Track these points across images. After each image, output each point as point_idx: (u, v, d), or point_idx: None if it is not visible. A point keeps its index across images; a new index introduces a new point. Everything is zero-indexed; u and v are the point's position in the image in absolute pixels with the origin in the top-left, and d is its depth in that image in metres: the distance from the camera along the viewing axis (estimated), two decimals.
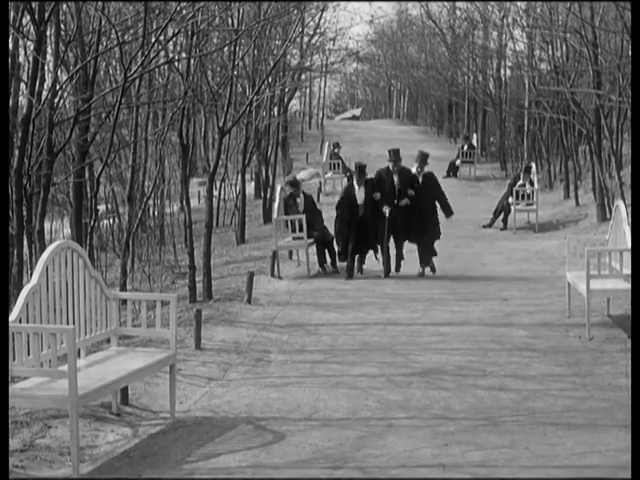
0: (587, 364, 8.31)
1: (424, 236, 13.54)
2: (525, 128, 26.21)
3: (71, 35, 10.06)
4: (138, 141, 14.58)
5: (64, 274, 6.56)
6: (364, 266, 13.82)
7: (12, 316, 5.90)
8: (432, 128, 41.49)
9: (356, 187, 13.66)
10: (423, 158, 14.01)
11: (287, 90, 23.99)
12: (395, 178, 13.54)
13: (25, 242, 8.99)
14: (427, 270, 13.62)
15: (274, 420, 6.83)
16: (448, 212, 13.89)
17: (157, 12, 10.67)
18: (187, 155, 15.20)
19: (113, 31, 9.36)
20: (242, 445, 6.28)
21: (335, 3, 29.10)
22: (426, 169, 14.09)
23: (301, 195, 14.82)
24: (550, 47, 21.15)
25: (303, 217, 14.02)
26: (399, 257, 13.70)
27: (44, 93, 9.59)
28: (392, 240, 13.64)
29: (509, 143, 28.31)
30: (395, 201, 13.46)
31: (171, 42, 14.88)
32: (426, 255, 13.54)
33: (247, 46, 15.12)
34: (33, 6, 8.93)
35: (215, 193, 17.78)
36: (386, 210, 13.33)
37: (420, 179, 13.84)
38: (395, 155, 13.68)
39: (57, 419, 6.77)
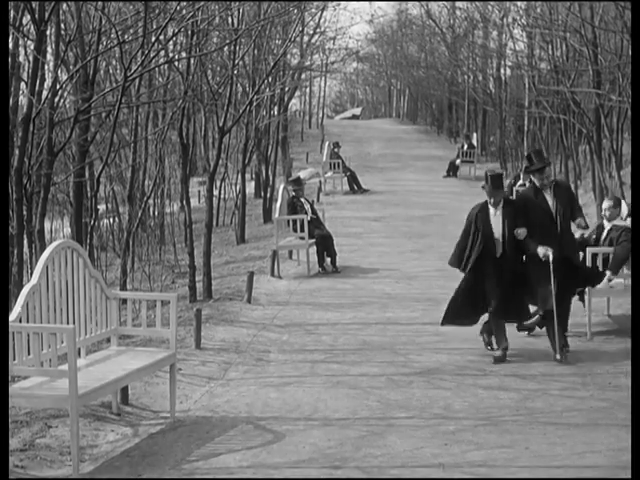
0: (587, 364, 8.32)
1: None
2: (525, 128, 26.19)
3: (71, 34, 10.06)
4: (138, 140, 14.58)
5: (64, 274, 6.56)
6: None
7: (12, 315, 5.90)
8: (432, 127, 41.46)
9: (491, 210, 8.88)
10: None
11: (287, 89, 23.97)
12: (549, 199, 8.78)
13: (25, 242, 8.99)
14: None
15: (274, 420, 6.83)
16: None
17: (157, 11, 10.66)
18: (187, 154, 15.20)
19: (113, 30, 9.36)
20: (242, 445, 6.29)
21: (335, 3, 29.03)
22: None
23: (305, 195, 14.84)
24: (550, 47, 21.11)
25: (305, 217, 14.02)
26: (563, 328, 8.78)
27: (44, 92, 9.61)
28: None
29: (509, 143, 28.29)
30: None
31: (171, 41, 14.85)
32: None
33: (247, 45, 15.10)
34: (33, 6, 8.93)
35: (215, 192, 17.76)
36: (546, 252, 8.53)
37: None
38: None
39: (57, 419, 6.77)
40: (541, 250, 8.57)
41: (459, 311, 8.98)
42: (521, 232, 8.69)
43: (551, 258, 8.48)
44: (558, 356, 8.45)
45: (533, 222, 8.71)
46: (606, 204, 9.72)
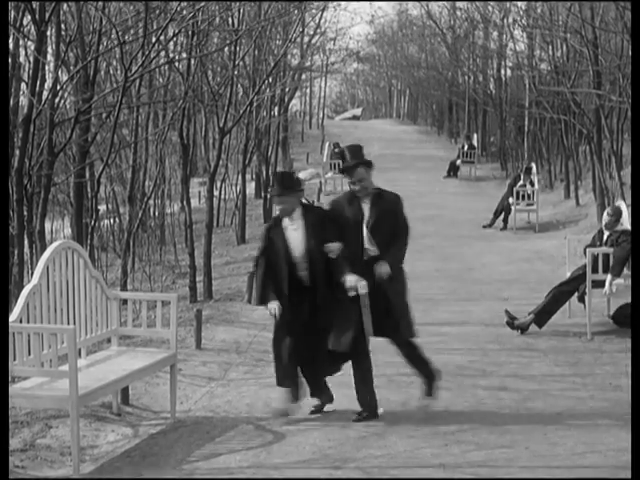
0: (587, 364, 8.33)
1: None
2: (525, 128, 26.20)
3: (72, 35, 10.06)
4: (139, 141, 14.59)
5: (65, 274, 6.57)
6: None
7: (13, 316, 5.91)
8: (432, 128, 41.44)
9: (285, 223, 6.83)
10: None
11: (287, 90, 23.98)
12: (366, 210, 6.80)
13: (26, 242, 9.00)
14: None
15: (274, 420, 6.83)
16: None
17: (158, 12, 10.67)
18: (187, 155, 15.20)
19: (114, 31, 9.38)
20: (242, 445, 6.29)
21: (335, 3, 29.07)
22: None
23: (305, 196, 14.84)
24: (550, 47, 21.14)
25: None
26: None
27: (45, 93, 9.61)
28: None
29: (509, 143, 28.28)
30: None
31: (171, 42, 14.87)
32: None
33: (247, 46, 15.12)
34: (34, 6, 8.93)
35: (215, 193, 17.74)
36: (356, 284, 6.56)
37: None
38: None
39: (58, 419, 6.78)
40: (350, 279, 6.58)
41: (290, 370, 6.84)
42: (333, 247, 6.66)
43: (363, 291, 6.54)
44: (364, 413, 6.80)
45: (343, 238, 6.73)
46: (607, 218, 9.69)
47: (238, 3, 12.89)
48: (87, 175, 12.39)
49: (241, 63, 15.98)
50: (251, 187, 23.63)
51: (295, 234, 6.74)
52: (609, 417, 6.69)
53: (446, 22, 34.51)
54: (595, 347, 8.94)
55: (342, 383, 7.82)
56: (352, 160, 6.79)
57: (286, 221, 6.78)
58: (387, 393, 7.47)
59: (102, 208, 16.34)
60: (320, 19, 27.63)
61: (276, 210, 6.56)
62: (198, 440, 6.46)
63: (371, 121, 49.19)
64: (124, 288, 10.27)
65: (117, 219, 16.95)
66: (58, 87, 9.67)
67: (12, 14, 9.76)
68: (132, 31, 11.49)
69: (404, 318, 6.81)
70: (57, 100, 9.72)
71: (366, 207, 6.78)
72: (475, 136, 28.75)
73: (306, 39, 26.60)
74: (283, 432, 6.53)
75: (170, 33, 12.40)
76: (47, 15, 8.80)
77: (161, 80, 17.44)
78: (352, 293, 6.57)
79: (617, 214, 9.63)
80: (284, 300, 6.70)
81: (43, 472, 5.92)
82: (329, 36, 30.19)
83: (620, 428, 6.29)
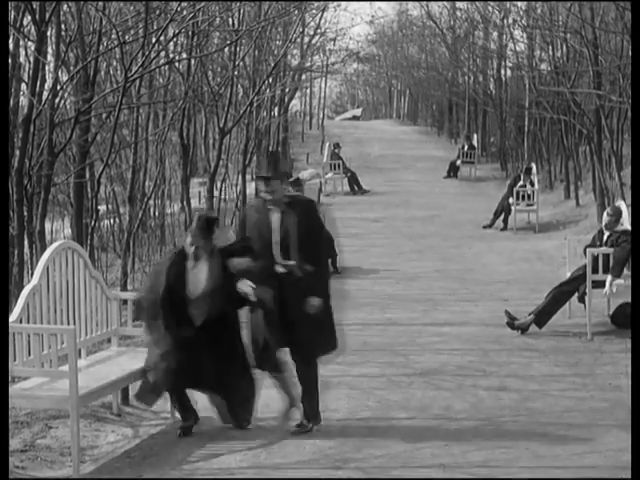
0: (587, 364, 8.33)
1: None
2: (525, 128, 26.19)
3: (72, 35, 10.06)
4: (139, 141, 14.58)
5: (65, 274, 6.57)
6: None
7: (13, 316, 5.91)
8: (432, 128, 41.43)
9: (189, 264, 6.53)
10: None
11: (287, 90, 24.01)
12: (275, 220, 6.44)
13: (26, 242, 8.99)
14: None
15: (274, 420, 6.83)
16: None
17: (158, 12, 10.67)
18: (188, 155, 15.22)
19: (114, 31, 9.38)
20: (243, 445, 6.29)
21: (336, 3, 29.03)
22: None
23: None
24: (550, 47, 21.14)
25: None
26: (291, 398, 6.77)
27: (45, 93, 9.60)
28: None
29: (509, 143, 28.28)
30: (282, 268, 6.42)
31: (172, 42, 14.86)
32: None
33: (248, 46, 15.13)
34: (34, 6, 8.93)
35: (216, 193, 17.74)
36: (261, 294, 6.50)
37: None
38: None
39: (58, 419, 6.77)
40: (257, 291, 6.44)
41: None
42: (239, 263, 6.43)
43: (253, 299, 6.47)
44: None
45: (252, 250, 6.48)
46: (607, 218, 9.68)
47: (238, 3, 12.90)
48: (87, 175, 12.37)
49: (241, 63, 16.00)
50: (251, 187, 23.55)
51: (198, 276, 6.50)
52: (609, 417, 6.70)
53: (446, 22, 34.50)
54: (595, 347, 8.94)
55: (342, 383, 7.83)
56: (268, 171, 6.39)
57: (191, 263, 6.51)
58: (387, 393, 7.48)
59: (102, 208, 16.32)
60: (320, 19, 27.68)
61: (187, 243, 6.55)
62: (198, 440, 6.46)
63: (371, 121, 49.17)
64: (124, 288, 10.25)
65: (117, 219, 16.94)
66: (58, 87, 9.67)
67: (12, 14, 9.76)
68: (132, 31, 11.47)
69: (332, 332, 6.62)
70: (57, 100, 9.71)
71: (276, 218, 6.43)
72: (475, 136, 28.74)
73: (306, 39, 26.63)
74: (283, 432, 6.53)
75: (170, 33, 12.39)
76: (47, 15, 8.79)
77: (161, 80, 17.43)
78: (253, 298, 6.47)
79: (617, 214, 9.63)
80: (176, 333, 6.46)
81: (43, 472, 5.92)
82: (329, 36, 30.17)
83: (620, 428, 6.29)
